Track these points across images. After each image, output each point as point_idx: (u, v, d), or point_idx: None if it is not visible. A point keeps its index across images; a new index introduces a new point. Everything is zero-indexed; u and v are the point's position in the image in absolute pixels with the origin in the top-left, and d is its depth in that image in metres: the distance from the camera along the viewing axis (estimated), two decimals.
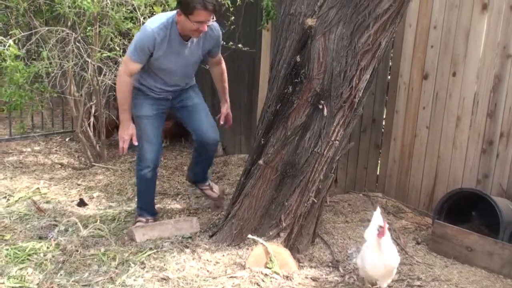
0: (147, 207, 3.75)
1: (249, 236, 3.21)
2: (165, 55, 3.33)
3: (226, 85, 3.90)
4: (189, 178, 4.13)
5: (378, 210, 2.96)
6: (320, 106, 3.09)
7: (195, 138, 3.74)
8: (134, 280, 2.89)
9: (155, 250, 3.25)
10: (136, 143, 3.49)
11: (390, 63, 4.29)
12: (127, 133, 3.43)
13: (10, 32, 4.49)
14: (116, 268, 3.02)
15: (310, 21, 3.05)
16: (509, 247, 3.22)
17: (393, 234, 3.70)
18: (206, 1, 3.08)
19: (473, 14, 3.71)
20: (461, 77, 3.82)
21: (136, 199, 3.82)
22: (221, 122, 3.87)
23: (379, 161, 4.47)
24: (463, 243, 3.38)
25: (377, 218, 2.87)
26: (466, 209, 3.80)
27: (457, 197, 3.66)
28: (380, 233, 2.69)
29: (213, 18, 3.22)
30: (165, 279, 2.92)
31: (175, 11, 3.27)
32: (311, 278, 3.06)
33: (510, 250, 3.20)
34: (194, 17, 3.12)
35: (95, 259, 3.14)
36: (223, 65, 3.82)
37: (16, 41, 4.24)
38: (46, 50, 4.17)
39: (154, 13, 4.39)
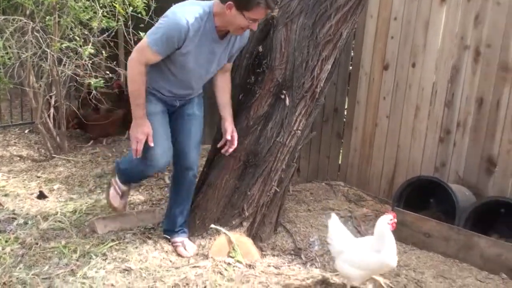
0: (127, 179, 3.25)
1: (212, 225, 3.22)
2: (193, 51, 2.77)
3: (230, 97, 3.20)
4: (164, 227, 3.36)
5: (333, 216, 2.85)
6: (282, 96, 3.11)
7: (175, 157, 3.14)
8: (96, 272, 2.86)
9: (117, 242, 3.22)
10: (152, 144, 2.87)
11: (352, 54, 4.34)
12: (142, 131, 2.81)
13: None
14: (77, 260, 2.98)
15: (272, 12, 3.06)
16: (464, 232, 3.32)
17: (354, 222, 3.78)
18: None
19: (432, 6, 3.79)
20: (421, 67, 3.90)
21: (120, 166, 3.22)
22: (228, 151, 3.17)
23: (341, 150, 4.53)
24: (421, 229, 3.47)
25: (335, 224, 2.80)
26: (424, 196, 3.89)
27: (416, 185, 3.76)
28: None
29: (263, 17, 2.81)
30: (127, 270, 2.90)
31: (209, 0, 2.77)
32: (273, 266, 3.09)
33: (466, 235, 3.30)
34: (252, 13, 2.62)
35: (56, 252, 3.09)
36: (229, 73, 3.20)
37: None
38: (2, 40, 4.06)
39: (113, 4, 4.34)
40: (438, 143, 3.86)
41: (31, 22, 4.26)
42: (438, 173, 3.86)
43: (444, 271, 3.18)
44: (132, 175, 3.21)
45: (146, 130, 2.83)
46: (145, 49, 2.70)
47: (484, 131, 3.63)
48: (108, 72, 4.62)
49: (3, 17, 4.34)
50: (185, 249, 3.14)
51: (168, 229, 3.25)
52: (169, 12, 2.70)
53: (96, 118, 5.19)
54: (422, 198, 3.86)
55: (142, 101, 2.80)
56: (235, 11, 2.63)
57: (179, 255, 3.12)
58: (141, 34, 4.33)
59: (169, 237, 3.23)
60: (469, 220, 3.43)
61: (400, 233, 3.55)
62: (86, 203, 3.93)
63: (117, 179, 3.24)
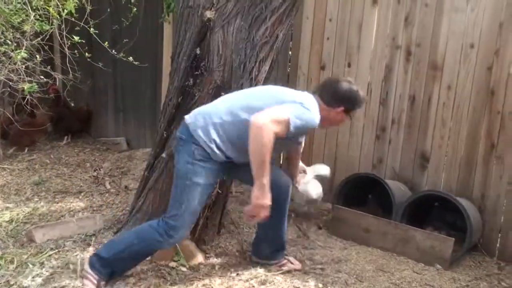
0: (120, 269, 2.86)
1: None
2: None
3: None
4: (258, 253, 3.17)
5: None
6: None
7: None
8: (32, 280, 2.78)
9: (56, 250, 3.15)
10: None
11: (290, 55, 4.41)
12: (268, 198, 2.60)
13: None
14: (13, 271, 2.89)
15: (208, 14, 3.07)
16: (401, 226, 3.45)
17: (295, 221, 3.84)
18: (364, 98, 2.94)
19: (364, 7, 3.91)
20: (356, 67, 4.01)
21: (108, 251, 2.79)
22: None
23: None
24: (360, 225, 3.57)
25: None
26: (363, 193, 4.01)
27: (354, 182, 3.86)
28: None
29: None
30: (68, 278, 2.84)
31: (308, 95, 2.77)
32: (217, 268, 3.10)
33: (402, 229, 3.43)
34: (353, 113, 2.87)
35: None
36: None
37: None
38: None
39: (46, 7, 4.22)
40: (374, 141, 3.98)
41: None
42: (376, 169, 3.98)
43: (383, 265, 3.28)
44: (127, 260, 2.82)
45: (270, 196, 2.60)
46: (284, 125, 2.55)
47: (417, 128, 3.78)
48: (42, 77, 4.49)
49: None
50: (292, 262, 3.16)
51: (274, 251, 3.11)
52: (308, 105, 2.65)
53: (30, 123, 5.02)
54: (361, 194, 3.97)
55: (268, 168, 2.55)
56: (340, 111, 2.79)
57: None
58: (75, 38, 4.24)
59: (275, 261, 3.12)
60: (405, 215, 3.56)
61: (341, 230, 3.65)
62: (23, 211, 3.82)
63: (93, 273, 2.75)
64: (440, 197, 3.56)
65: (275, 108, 2.57)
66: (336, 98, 2.77)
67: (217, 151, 2.65)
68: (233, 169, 2.81)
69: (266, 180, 2.54)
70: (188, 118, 2.74)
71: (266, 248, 3.11)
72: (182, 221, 2.71)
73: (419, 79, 3.74)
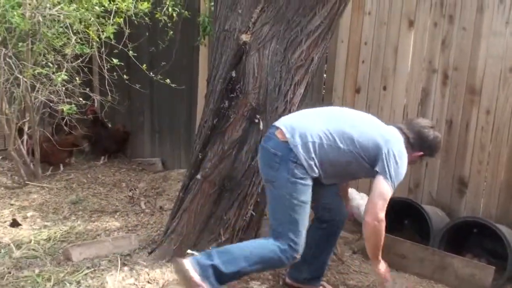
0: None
1: (189, 251, 3.18)
2: None
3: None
4: (296, 275, 3.12)
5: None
6: (256, 121, 3.14)
7: (325, 215, 3.01)
8: None
9: (92, 269, 3.18)
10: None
11: (325, 78, 4.41)
12: (384, 266, 2.86)
13: None
14: None
15: (244, 37, 3.11)
16: (439, 253, 3.37)
17: None
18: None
19: (400, 31, 3.89)
20: (391, 90, 3.98)
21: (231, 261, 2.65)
22: None
23: None
24: (396, 250, 3.50)
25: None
26: (399, 218, 3.94)
27: (390, 206, 3.78)
28: None
29: None
30: None
31: (397, 134, 2.78)
32: None
33: (440, 256, 3.35)
34: (427, 159, 3.04)
35: (29, 281, 3.03)
36: None
37: None
38: None
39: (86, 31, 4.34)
40: (410, 165, 3.92)
41: (3, 49, 4.23)
42: (412, 194, 3.91)
43: None
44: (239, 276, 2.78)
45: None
46: (388, 193, 2.69)
47: (454, 152, 3.71)
48: (81, 99, 4.61)
49: None
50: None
51: (313, 277, 3.10)
52: (400, 153, 2.69)
53: (54, 143, 5.12)
54: (397, 219, 3.90)
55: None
56: (419, 157, 2.86)
57: None
58: (114, 60, 4.36)
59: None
60: (443, 241, 3.48)
61: None
62: (61, 230, 3.88)
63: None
64: (479, 224, 3.47)
65: (381, 191, 2.65)
66: (422, 145, 2.79)
67: (315, 168, 2.65)
68: (316, 188, 2.76)
69: (380, 258, 2.82)
70: (285, 133, 2.65)
71: (306, 273, 3.06)
72: (302, 240, 2.68)
73: (456, 103, 3.69)
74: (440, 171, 3.79)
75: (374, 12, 4.02)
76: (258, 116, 3.14)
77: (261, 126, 3.13)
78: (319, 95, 4.44)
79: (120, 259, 3.33)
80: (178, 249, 3.28)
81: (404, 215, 3.95)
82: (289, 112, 3.18)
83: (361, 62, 4.12)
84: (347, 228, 4.04)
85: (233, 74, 3.15)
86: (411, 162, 2.83)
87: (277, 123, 2.75)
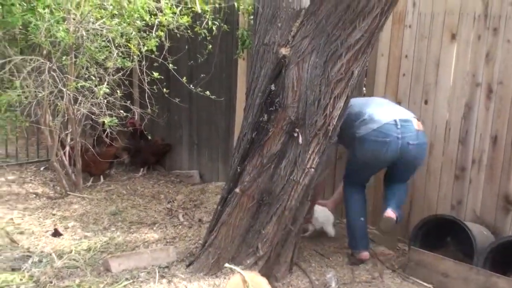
0: None
1: (226, 265, 3.19)
2: None
3: None
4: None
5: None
6: (295, 134, 3.12)
7: None
8: None
9: (131, 281, 3.21)
10: None
11: (364, 91, 4.36)
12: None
13: None
14: None
15: (284, 51, 3.11)
16: (483, 272, 3.26)
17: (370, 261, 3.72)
18: None
19: (442, 44, 3.82)
20: (433, 104, 3.90)
21: None
22: None
23: None
24: (438, 269, 3.41)
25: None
26: (441, 235, 3.84)
27: (432, 223, 3.71)
28: None
29: None
30: None
31: None
32: None
33: (485, 276, 3.24)
34: None
35: None
36: None
37: None
38: (20, 79, 4.15)
39: (128, 44, 4.44)
40: (453, 181, 3.83)
41: (48, 62, 4.35)
42: (455, 211, 3.81)
43: None
44: None
45: None
46: None
47: (499, 169, 3.60)
48: (122, 111, 4.68)
49: (20, 57, 4.45)
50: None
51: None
52: None
53: (95, 155, 5.20)
54: (439, 237, 3.81)
55: None
56: None
57: None
58: (155, 74, 4.43)
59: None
60: (488, 260, 3.37)
61: (416, 273, 3.50)
62: (100, 240, 3.94)
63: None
64: None
65: None
66: None
67: None
68: None
69: None
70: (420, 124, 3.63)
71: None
72: None
73: (501, 118, 3.58)
74: (484, 187, 3.68)
75: (415, 25, 3.96)
76: (297, 130, 3.12)
77: (300, 140, 3.11)
78: None
79: (158, 271, 3.34)
80: (215, 263, 3.28)
81: (446, 233, 3.85)
82: (329, 125, 3.15)
83: (402, 75, 4.05)
84: (387, 245, 3.97)
85: (272, 87, 3.14)
86: None
87: (391, 117, 3.51)
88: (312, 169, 3.21)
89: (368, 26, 2.96)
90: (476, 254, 3.38)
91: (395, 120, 3.50)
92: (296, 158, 3.14)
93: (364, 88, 4.36)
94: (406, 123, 3.52)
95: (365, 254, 3.67)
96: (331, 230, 4.09)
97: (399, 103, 4.07)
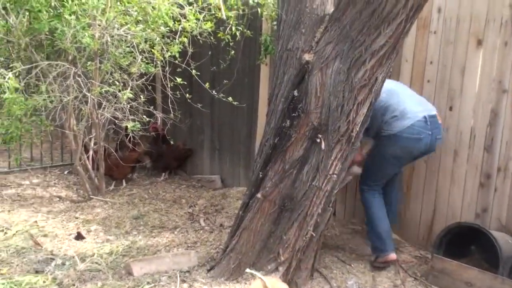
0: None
1: (247, 270, 3.19)
2: None
3: None
4: None
5: None
6: (318, 140, 3.11)
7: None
8: None
9: (152, 285, 3.22)
10: None
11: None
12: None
13: (11, 65, 4.54)
14: None
15: (307, 56, 3.11)
16: (509, 282, 3.20)
17: (392, 268, 3.69)
18: None
19: (468, 50, 3.77)
20: (458, 111, 3.85)
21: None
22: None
23: None
24: (462, 278, 3.36)
25: None
26: (465, 243, 3.78)
27: (456, 231, 3.65)
28: None
29: None
30: None
31: None
32: None
33: (510, 286, 3.17)
34: None
35: None
36: None
37: (17, 74, 4.28)
38: (45, 84, 4.21)
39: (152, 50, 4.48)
40: (478, 188, 3.77)
41: (73, 67, 4.41)
42: (479, 219, 3.75)
43: None
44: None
45: None
46: None
47: None
48: (145, 116, 4.72)
49: (47, 62, 4.52)
50: None
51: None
52: None
53: (118, 159, 5.24)
54: (462, 245, 3.75)
55: None
56: None
57: None
58: (178, 79, 4.46)
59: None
60: None
61: (441, 282, 3.45)
62: (122, 244, 3.97)
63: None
64: None
65: None
66: None
67: None
68: None
69: None
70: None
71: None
72: None
73: None
74: (510, 196, 3.61)
75: (440, 31, 3.92)
76: (319, 136, 3.10)
77: (322, 146, 3.10)
78: None
79: (180, 276, 3.35)
80: (237, 268, 3.28)
81: (471, 241, 3.80)
82: (352, 132, 3.13)
83: (426, 81, 4.01)
84: (410, 253, 3.93)
85: (295, 93, 3.14)
86: None
87: (421, 113, 3.60)
88: (335, 175, 3.19)
89: (393, 32, 2.93)
90: (501, 263, 3.32)
91: (424, 117, 3.58)
92: (319, 164, 3.13)
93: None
94: (433, 119, 3.63)
95: (392, 256, 3.65)
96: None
97: None
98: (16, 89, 4.03)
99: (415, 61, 4.08)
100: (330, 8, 3.25)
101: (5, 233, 4.08)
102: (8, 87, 3.91)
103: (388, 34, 2.95)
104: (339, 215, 4.61)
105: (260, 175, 3.28)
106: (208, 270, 3.43)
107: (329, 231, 4.18)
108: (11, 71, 4.18)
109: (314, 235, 3.28)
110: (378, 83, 3.13)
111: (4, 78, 3.89)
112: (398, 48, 3.12)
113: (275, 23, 4.42)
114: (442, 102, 3.93)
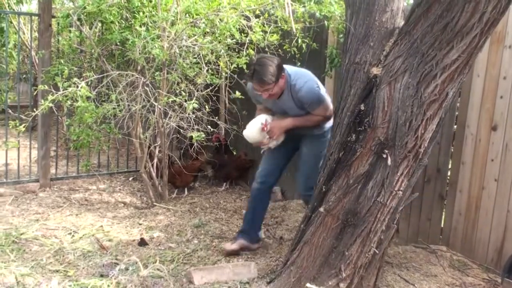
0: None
1: (308, 285, 3.15)
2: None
3: (302, 120, 3.94)
4: None
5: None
6: (384, 155, 3.04)
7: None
8: None
9: None
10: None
11: (457, 113, 4.19)
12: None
13: (84, 75, 4.72)
14: None
15: (375, 70, 3.06)
16: None
17: None
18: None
19: None
20: None
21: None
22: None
23: (443, 213, 4.32)
24: None
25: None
26: None
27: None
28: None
29: (264, 89, 3.68)
30: None
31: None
32: None
33: None
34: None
35: None
36: (314, 116, 3.92)
37: (89, 83, 4.45)
38: (115, 93, 4.35)
39: (218, 61, 4.54)
40: None
41: (142, 77, 4.54)
42: None
43: None
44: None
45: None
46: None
47: None
48: (209, 126, 4.79)
49: (117, 72, 4.67)
50: None
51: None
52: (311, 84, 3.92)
53: (181, 168, 5.31)
54: None
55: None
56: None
57: None
58: (237, 93, 4.51)
59: None
60: None
61: None
62: (184, 252, 4.02)
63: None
64: None
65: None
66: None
67: None
68: None
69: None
70: None
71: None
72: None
73: None
74: None
75: None
76: (386, 151, 3.03)
77: (389, 162, 3.03)
78: (450, 130, 4.22)
79: (240, 287, 3.36)
80: (297, 282, 3.24)
81: None
82: (419, 148, 3.05)
83: (499, 97, 3.86)
84: (477, 275, 3.77)
85: (362, 107, 3.09)
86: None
87: None
88: (400, 192, 3.11)
89: (466, 46, 2.84)
90: None
91: None
92: (384, 180, 3.06)
93: (456, 110, 4.19)
94: None
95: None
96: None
97: (495, 126, 3.88)
98: (88, 98, 4.19)
99: (487, 76, 3.94)
100: (400, 22, 3.19)
101: (73, 236, 4.23)
102: (80, 96, 4.07)
103: (461, 49, 2.86)
104: (403, 233, 4.49)
105: (323, 189, 3.24)
106: (268, 283, 3.42)
107: (391, 249, 4.07)
108: (84, 80, 4.36)
109: (377, 252, 3.20)
110: (448, 98, 3.03)
111: (77, 87, 4.05)
112: (471, 63, 3.01)
113: (341, 36, 4.39)
114: None
